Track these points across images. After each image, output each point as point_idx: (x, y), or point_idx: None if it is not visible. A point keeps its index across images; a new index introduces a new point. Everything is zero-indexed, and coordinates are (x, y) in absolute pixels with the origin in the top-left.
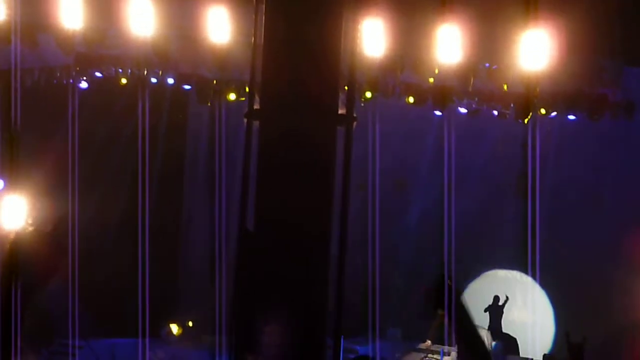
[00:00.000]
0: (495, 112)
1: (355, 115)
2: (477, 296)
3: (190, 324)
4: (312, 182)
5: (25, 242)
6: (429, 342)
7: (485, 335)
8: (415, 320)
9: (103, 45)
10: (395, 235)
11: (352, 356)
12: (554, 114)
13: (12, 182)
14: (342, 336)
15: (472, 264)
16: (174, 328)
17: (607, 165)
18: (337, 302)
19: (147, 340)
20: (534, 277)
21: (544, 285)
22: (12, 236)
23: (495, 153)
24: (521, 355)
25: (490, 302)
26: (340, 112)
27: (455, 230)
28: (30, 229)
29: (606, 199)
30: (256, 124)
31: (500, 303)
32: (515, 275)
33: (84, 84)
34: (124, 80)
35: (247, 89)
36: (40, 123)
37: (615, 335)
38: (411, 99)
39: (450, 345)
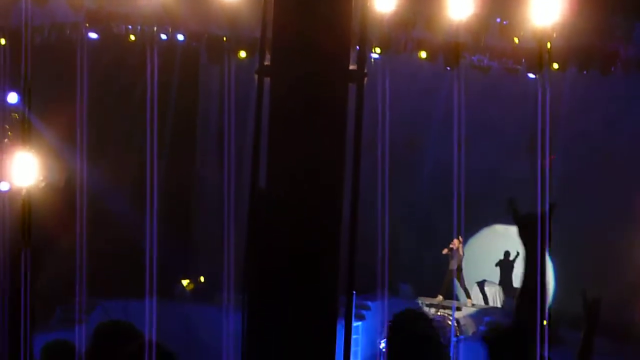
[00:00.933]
0: (507, 68)
1: (366, 71)
2: (483, 251)
3: (202, 279)
4: (324, 139)
5: (37, 200)
6: (440, 297)
7: (497, 291)
8: (427, 276)
9: (112, 2)
10: (408, 192)
11: (364, 312)
12: (565, 69)
13: (24, 139)
14: (355, 292)
15: (484, 220)
16: (187, 286)
17: (618, 121)
18: (349, 259)
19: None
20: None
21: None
22: (23, 193)
23: (508, 110)
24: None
25: (494, 256)
26: (351, 68)
27: (469, 187)
28: (43, 186)
29: (618, 156)
30: (267, 80)
31: (511, 258)
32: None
33: (93, 41)
34: (132, 37)
35: (258, 46)
36: (50, 81)
37: (626, 293)
38: (423, 54)
39: (459, 300)
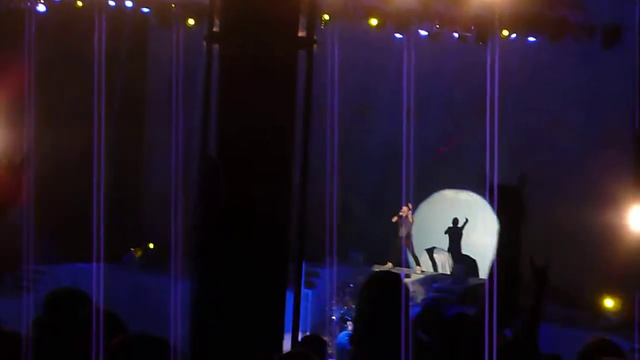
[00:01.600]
0: (456, 35)
1: (316, 38)
2: (432, 217)
3: (152, 246)
4: (273, 106)
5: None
6: (389, 264)
7: (446, 258)
8: (376, 243)
9: None
10: (358, 160)
11: (314, 279)
12: (514, 36)
13: None
14: (304, 260)
15: (432, 187)
16: (136, 253)
17: (568, 88)
18: (299, 226)
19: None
20: (491, 201)
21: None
22: None
23: (457, 78)
24: (481, 277)
25: (443, 223)
26: (300, 34)
27: (419, 155)
28: None
29: (568, 122)
30: (216, 47)
31: (460, 225)
32: (469, 197)
33: (41, 8)
34: (80, 4)
35: (207, 12)
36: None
37: (576, 260)
38: (373, 22)
39: (409, 267)
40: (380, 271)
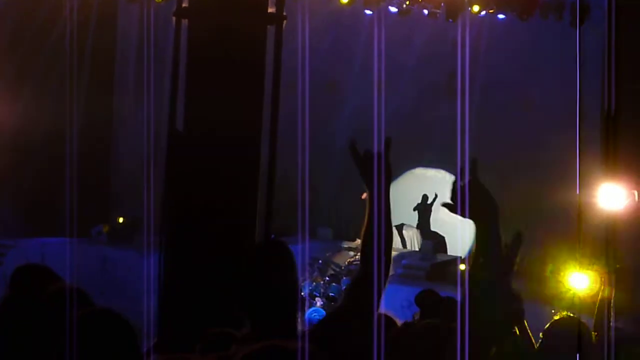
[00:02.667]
0: (426, 12)
1: (285, 14)
2: (401, 194)
3: (121, 220)
4: (242, 82)
5: None
6: (359, 240)
7: (414, 234)
8: (345, 219)
9: None
10: (326, 135)
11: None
12: (484, 13)
13: None
14: (273, 236)
15: (403, 164)
16: (105, 227)
17: (536, 65)
18: (267, 202)
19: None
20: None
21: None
22: None
23: (427, 53)
24: (449, 253)
25: (412, 200)
26: (270, 10)
27: (387, 130)
28: None
29: (535, 99)
30: (185, 22)
31: (429, 202)
32: (438, 174)
33: None
34: None
35: None
36: None
37: (544, 236)
38: None
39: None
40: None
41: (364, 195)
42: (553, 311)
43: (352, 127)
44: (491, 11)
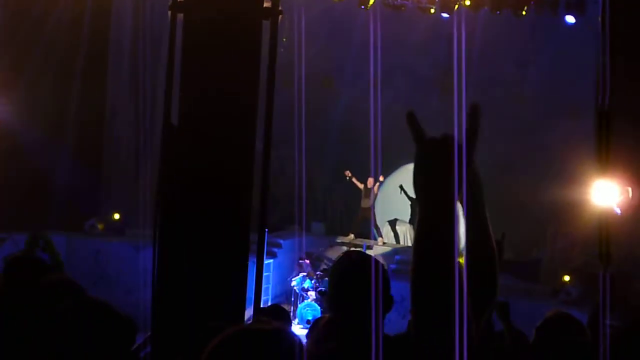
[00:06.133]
0: (420, 7)
1: (281, 9)
2: (394, 190)
3: (117, 216)
4: (237, 76)
5: None
6: (351, 235)
7: (407, 230)
8: (338, 214)
9: None
10: (321, 131)
11: (276, 250)
12: (478, 9)
13: None
14: (267, 230)
15: (397, 160)
16: (98, 222)
17: (530, 61)
18: (262, 196)
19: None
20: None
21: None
22: None
23: (421, 49)
24: None
25: (411, 195)
26: (265, 5)
27: (381, 125)
28: None
29: (528, 95)
30: (180, 16)
31: None
32: None
33: None
34: None
35: None
36: None
37: (533, 233)
38: None
39: (371, 239)
40: (352, 251)
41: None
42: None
43: (345, 120)
44: (486, 8)
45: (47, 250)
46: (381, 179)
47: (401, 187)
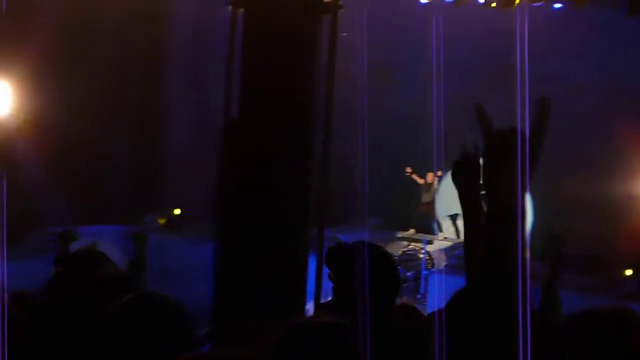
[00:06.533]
0: (482, 1)
1: (340, 3)
2: (451, 185)
3: (178, 211)
4: (297, 71)
5: (7, 129)
6: (412, 230)
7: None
8: (398, 209)
9: None
10: (379, 124)
11: (334, 244)
12: (539, 2)
13: None
14: (326, 225)
15: (453, 153)
16: (159, 216)
17: (589, 55)
18: (320, 191)
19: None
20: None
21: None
22: None
23: (481, 44)
24: None
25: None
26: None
27: (441, 121)
28: (13, 115)
29: (588, 90)
30: (240, 11)
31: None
32: None
33: None
34: None
35: None
36: (22, 9)
37: (596, 228)
38: None
39: (433, 234)
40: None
41: (422, 181)
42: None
43: (405, 113)
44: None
45: (138, 245)
46: (439, 173)
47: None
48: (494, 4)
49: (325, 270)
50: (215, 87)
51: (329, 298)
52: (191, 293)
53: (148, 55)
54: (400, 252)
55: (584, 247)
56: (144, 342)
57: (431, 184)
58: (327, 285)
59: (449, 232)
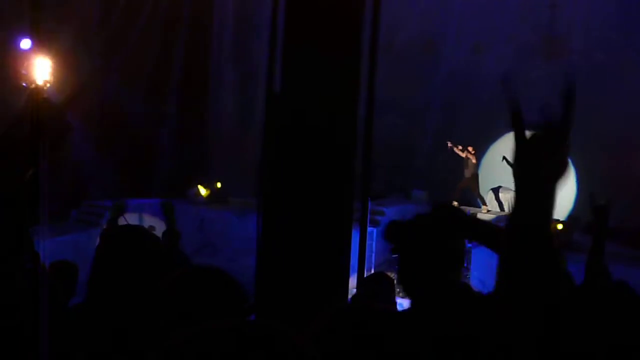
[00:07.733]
0: None
1: None
2: (498, 157)
3: (219, 185)
4: (340, 43)
5: (51, 100)
6: (455, 203)
7: (512, 197)
8: (441, 182)
9: None
10: (423, 96)
11: (379, 218)
12: None
13: (39, 42)
14: (369, 198)
15: (501, 126)
16: (202, 189)
17: (634, 26)
18: (364, 165)
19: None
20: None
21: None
22: (38, 92)
23: (522, 15)
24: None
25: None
26: None
27: (482, 91)
28: (54, 86)
29: (634, 62)
30: None
31: None
32: None
33: None
34: None
35: None
36: None
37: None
38: None
39: (477, 207)
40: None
41: (449, 143)
42: None
43: (447, 85)
44: None
45: (167, 215)
46: (470, 149)
47: (504, 157)
48: None
49: (369, 243)
50: (260, 59)
51: (372, 271)
52: (233, 265)
53: (193, 26)
54: None
55: (630, 219)
56: (200, 315)
57: (469, 159)
58: (369, 258)
59: (492, 205)
